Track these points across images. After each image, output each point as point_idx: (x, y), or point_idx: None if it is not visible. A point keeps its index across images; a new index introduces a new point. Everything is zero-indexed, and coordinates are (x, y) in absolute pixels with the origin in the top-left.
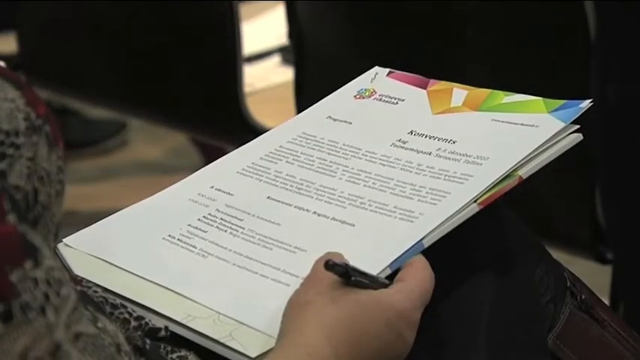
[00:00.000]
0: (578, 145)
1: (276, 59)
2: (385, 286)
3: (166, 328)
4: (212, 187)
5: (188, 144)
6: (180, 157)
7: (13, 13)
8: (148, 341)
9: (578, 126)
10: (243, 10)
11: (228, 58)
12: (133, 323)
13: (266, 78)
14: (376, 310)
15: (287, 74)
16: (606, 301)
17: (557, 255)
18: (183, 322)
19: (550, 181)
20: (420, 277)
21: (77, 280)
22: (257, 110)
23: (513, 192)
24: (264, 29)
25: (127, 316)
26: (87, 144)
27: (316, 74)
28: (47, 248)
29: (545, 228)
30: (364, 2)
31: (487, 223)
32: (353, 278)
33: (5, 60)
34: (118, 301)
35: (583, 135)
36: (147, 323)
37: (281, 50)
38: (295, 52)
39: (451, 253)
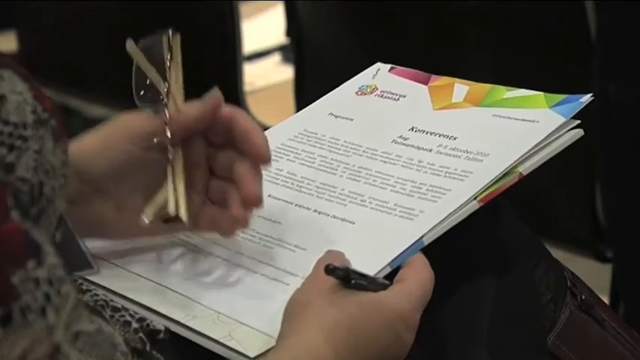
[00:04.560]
0: (579, 144)
1: (276, 58)
2: (385, 286)
3: (166, 330)
4: None
5: None
6: None
7: (13, 11)
8: (148, 343)
9: (578, 121)
10: (243, 8)
11: (228, 56)
12: (134, 325)
13: (266, 77)
14: (376, 311)
15: (287, 73)
16: (606, 301)
17: (558, 254)
18: (183, 321)
19: (551, 179)
20: (420, 278)
21: (76, 286)
22: (257, 109)
23: (513, 190)
24: (264, 28)
25: (128, 318)
26: None
27: (316, 73)
28: (49, 244)
29: (545, 227)
30: (364, 1)
31: (487, 222)
32: (353, 281)
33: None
34: (120, 304)
35: (584, 133)
36: (148, 325)
37: (281, 49)
38: (295, 50)
39: (451, 252)
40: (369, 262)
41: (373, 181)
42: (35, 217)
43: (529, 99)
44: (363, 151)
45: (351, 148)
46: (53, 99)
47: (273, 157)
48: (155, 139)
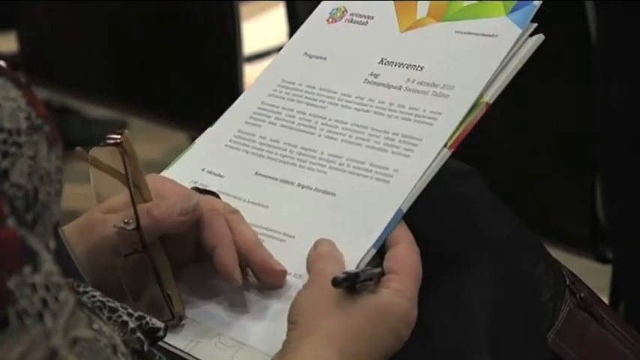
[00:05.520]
0: (579, 144)
1: None
2: (380, 275)
3: (165, 328)
4: (203, 169)
5: (188, 143)
6: None
7: (13, 12)
8: (146, 343)
9: (535, 25)
10: (244, 9)
11: (228, 57)
12: (132, 325)
13: None
14: (381, 316)
15: None
16: (606, 301)
17: (558, 254)
18: (186, 350)
19: (550, 179)
20: (408, 262)
21: (72, 287)
22: None
23: (513, 190)
24: (264, 29)
25: (125, 318)
26: (87, 143)
27: None
28: (46, 251)
29: (545, 227)
30: None
31: (486, 221)
32: (358, 286)
33: (5, 60)
34: (117, 303)
35: (585, 134)
36: (147, 323)
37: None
38: None
39: (451, 252)
40: (354, 248)
41: (349, 136)
42: (31, 223)
43: (487, 7)
44: (338, 99)
45: (326, 96)
46: (53, 99)
47: (255, 122)
48: (134, 247)
